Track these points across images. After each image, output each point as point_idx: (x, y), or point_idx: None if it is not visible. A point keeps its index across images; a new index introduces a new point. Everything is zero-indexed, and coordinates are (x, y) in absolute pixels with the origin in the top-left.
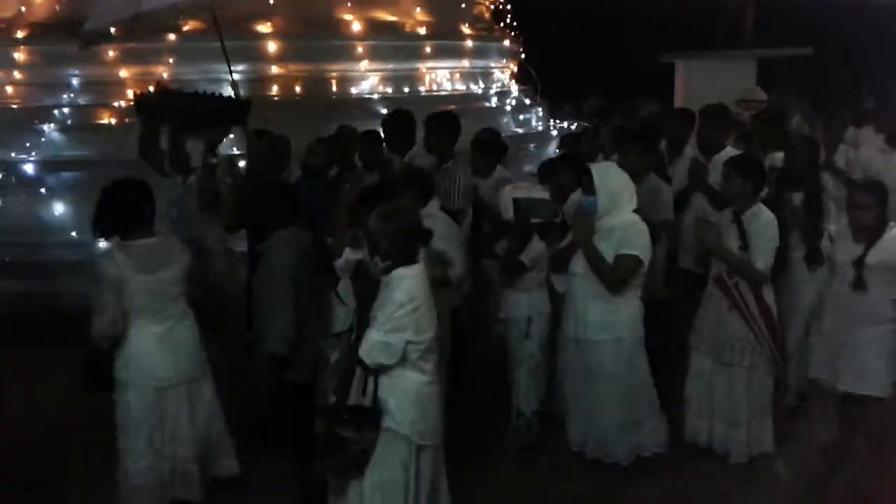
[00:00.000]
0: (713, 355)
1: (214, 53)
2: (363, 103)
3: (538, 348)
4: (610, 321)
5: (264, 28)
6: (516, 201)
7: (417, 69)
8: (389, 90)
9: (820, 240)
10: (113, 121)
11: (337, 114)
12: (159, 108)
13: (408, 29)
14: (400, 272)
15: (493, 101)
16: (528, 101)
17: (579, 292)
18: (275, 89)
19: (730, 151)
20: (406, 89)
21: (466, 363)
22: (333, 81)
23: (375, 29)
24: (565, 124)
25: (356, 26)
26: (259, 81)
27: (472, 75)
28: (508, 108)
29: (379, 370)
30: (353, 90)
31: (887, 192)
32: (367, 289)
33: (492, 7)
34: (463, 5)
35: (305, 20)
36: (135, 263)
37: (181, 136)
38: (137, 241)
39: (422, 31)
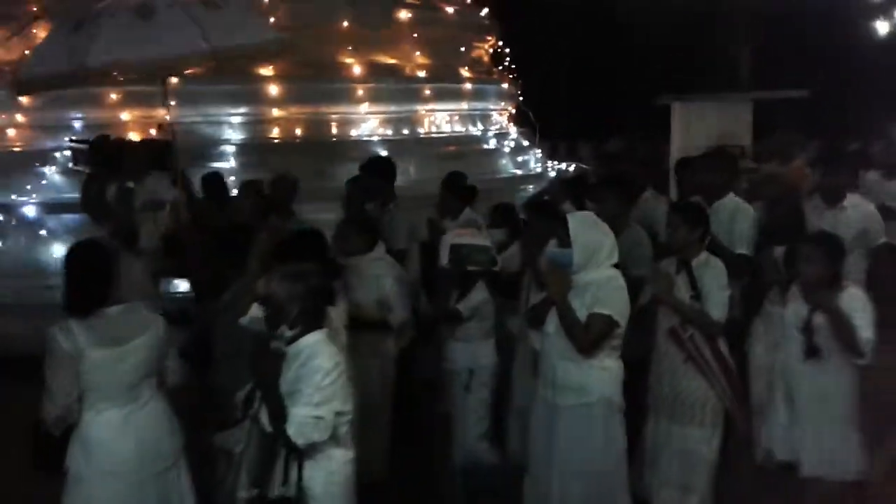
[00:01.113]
0: (670, 416)
1: (216, 96)
2: (363, 145)
3: (480, 403)
4: (581, 385)
5: (265, 71)
6: (454, 248)
7: (417, 111)
8: (389, 132)
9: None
10: None
11: (337, 156)
12: (94, 156)
13: (407, 72)
14: (314, 337)
15: (492, 143)
16: (526, 143)
17: (551, 352)
18: (276, 132)
19: (733, 198)
20: (405, 131)
21: (415, 409)
22: (334, 124)
23: (375, 72)
24: (563, 166)
25: (356, 69)
26: (260, 124)
27: (471, 117)
28: (507, 149)
29: (305, 452)
30: (354, 132)
31: (840, 246)
32: (269, 362)
33: (490, 50)
34: (462, 49)
35: (306, 63)
36: (94, 335)
37: (103, 183)
38: (99, 311)
39: (421, 74)
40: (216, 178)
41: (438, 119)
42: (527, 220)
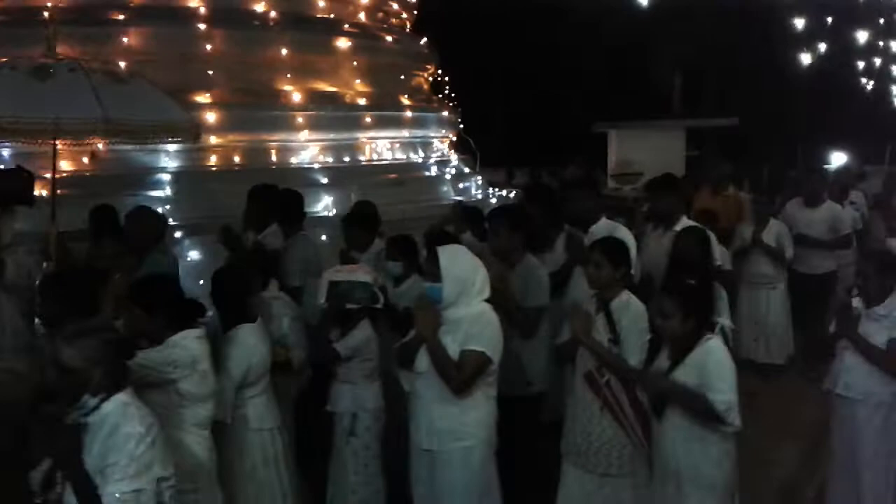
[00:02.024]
0: (585, 465)
1: None
2: (303, 173)
3: (365, 447)
4: (458, 428)
5: (203, 98)
6: (332, 284)
7: (357, 139)
8: (330, 160)
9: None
10: (44, 192)
11: (277, 183)
12: None
13: (348, 100)
14: (119, 400)
15: (433, 170)
16: (467, 170)
17: (424, 394)
18: (213, 160)
19: (605, 224)
20: (346, 159)
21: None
22: (273, 151)
23: (315, 99)
24: (504, 192)
25: (296, 97)
26: (197, 151)
27: (412, 145)
28: (448, 176)
29: None
30: (293, 160)
31: (695, 297)
32: (65, 437)
33: (430, 78)
34: (402, 77)
35: (244, 90)
36: None
37: None
38: None
39: (361, 101)
40: (101, 212)
41: (379, 146)
42: (426, 251)
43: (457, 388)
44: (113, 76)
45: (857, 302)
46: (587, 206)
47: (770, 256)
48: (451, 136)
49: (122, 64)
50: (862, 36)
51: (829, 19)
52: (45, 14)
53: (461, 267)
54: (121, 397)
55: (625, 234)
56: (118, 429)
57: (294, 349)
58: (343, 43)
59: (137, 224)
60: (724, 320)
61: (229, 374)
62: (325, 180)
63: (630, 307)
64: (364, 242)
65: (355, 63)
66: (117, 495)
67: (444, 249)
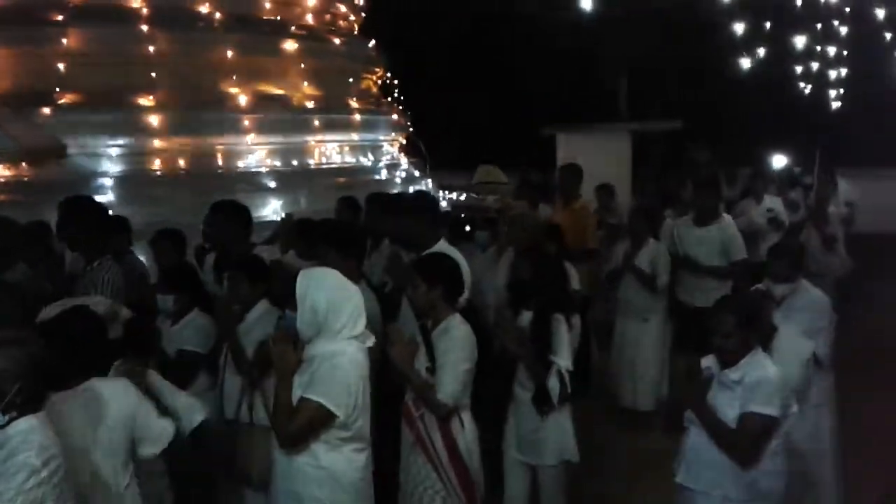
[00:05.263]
0: None
1: (93, 127)
2: (250, 177)
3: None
4: (296, 489)
5: (146, 101)
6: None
7: (306, 142)
8: (278, 163)
9: (547, 375)
10: None
11: (223, 188)
12: None
13: (295, 103)
14: (24, 425)
15: (383, 174)
16: (417, 173)
17: (274, 444)
18: (157, 163)
19: (444, 246)
20: (295, 162)
21: None
22: (219, 155)
23: (262, 102)
24: (454, 195)
25: (242, 99)
26: (141, 155)
27: (362, 148)
28: (398, 180)
29: None
30: (240, 164)
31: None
32: None
33: (379, 81)
34: (350, 80)
35: (189, 93)
36: None
37: None
38: None
39: (310, 104)
40: None
41: (328, 150)
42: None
43: (281, 440)
44: None
45: (709, 361)
46: (415, 226)
47: (641, 283)
48: (400, 139)
49: None
50: (800, 41)
51: (768, 24)
52: None
53: (322, 293)
54: (30, 421)
55: (456, 256)
56: (14, 455)
57: None
58: (290, 45)
59: None
60: (561, 360)
61: None
62: (273, 184)
63: (448, 333)
64: (169, 262)
65: (303, 65)
66: None
67: (306, 272)
